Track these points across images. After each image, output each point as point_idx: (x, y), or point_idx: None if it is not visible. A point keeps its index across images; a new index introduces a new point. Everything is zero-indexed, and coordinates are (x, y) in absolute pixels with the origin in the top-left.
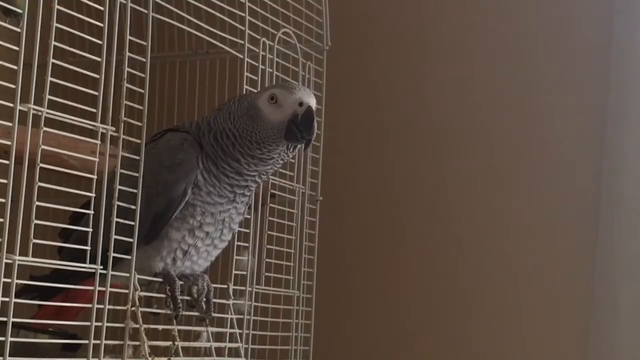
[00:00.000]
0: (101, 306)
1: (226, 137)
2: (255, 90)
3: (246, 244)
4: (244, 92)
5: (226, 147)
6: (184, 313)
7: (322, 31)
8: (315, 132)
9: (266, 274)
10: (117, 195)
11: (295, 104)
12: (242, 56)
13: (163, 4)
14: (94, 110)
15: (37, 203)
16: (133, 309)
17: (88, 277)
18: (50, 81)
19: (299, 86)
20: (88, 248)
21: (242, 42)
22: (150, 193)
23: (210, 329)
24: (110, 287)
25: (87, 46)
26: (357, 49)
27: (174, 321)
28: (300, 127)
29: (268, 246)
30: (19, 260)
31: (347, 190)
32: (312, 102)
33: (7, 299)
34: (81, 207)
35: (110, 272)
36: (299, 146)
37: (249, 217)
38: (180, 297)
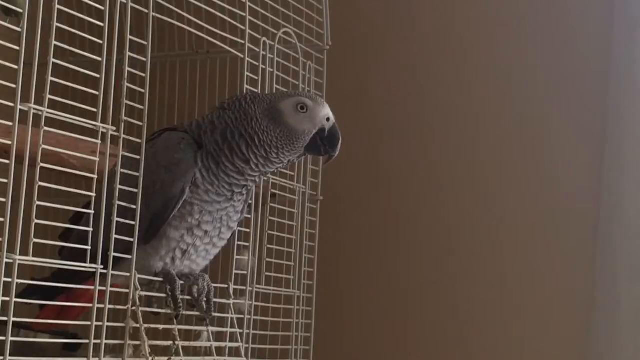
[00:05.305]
0: (102, 306)
1: (239, 137)
2: (256, 90)
3: (246, 244)
4: (245, 92)
5: (237, 146)
6: (184, 313)
7: (322, 31)
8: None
9: (266, 273)
10: (117, 195)
11: (324, 118)
12: (242, 56)
13: (164, 3)
14: (94, 109)
15: (38, 203)
16: (133, 308)
17: (89, 278)
18: (51, 81)
19: (322, 100)
20: (88, 248)
21: (243, 41)
22: (149, 192)
23: (211, 328)
24: (111, 286)
25: (88, 46)
26: (357, 48)
27: (175, 321)
28: (326, 142)
29: (268, 246)
30: (19, 259)
31: (347, 190)
32: (333, 119)
33: (7, 299)
34: (82, 208)
35: (111, 272)
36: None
37: (249, 216)
38: (181, 297)
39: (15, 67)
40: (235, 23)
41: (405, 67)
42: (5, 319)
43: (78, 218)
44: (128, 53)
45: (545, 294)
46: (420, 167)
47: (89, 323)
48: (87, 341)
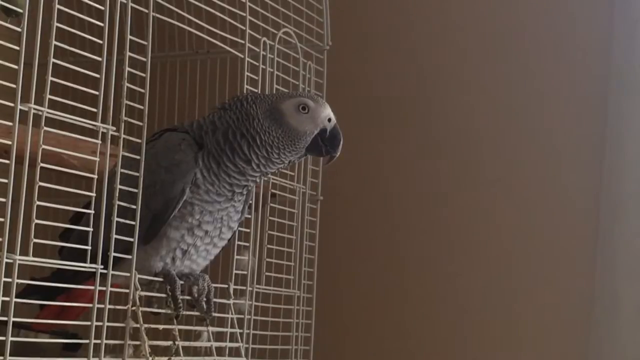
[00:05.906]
0: (102, 306)
1: (240, 137)
2: (256, 90)
3: (247, 244)
4: (245, 92)
5: (238, 146)
6: (184, 313)
7: (322, 31)
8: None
9: (267, 273)
10: (117, 195)
11: (325, 118)
12: (242, 56)
13: (164, 3)
14: (94, 109)
15: (38, 203)
16: (133, 308)
17: (89, 278)
18: (51, 81)
19: (324, 100)
20: (88, 248)
21: (243, 41)
22: (149, 193)
23: (211, 328)
24: (111, 286)
25: (88, 46)
26: (358, 48)
27: (175, 321)
28: (327, 143)
29: (268, 246)
30: (19, 259)
31: (347, 190)
32: (335, 119)
33: (7, 299)
34: (82, 208)
35: (111, 272)
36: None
37: (249, 216)
38: (181, 297)
39: (15, 67)
40: (235, 23)
41: (406, 67)
42: (5, 319)
43: (78, 218)
44: (128, 53)
45: (545, 294)
46: (420, 167)
47: (89, 323)
48: (87, 341)
